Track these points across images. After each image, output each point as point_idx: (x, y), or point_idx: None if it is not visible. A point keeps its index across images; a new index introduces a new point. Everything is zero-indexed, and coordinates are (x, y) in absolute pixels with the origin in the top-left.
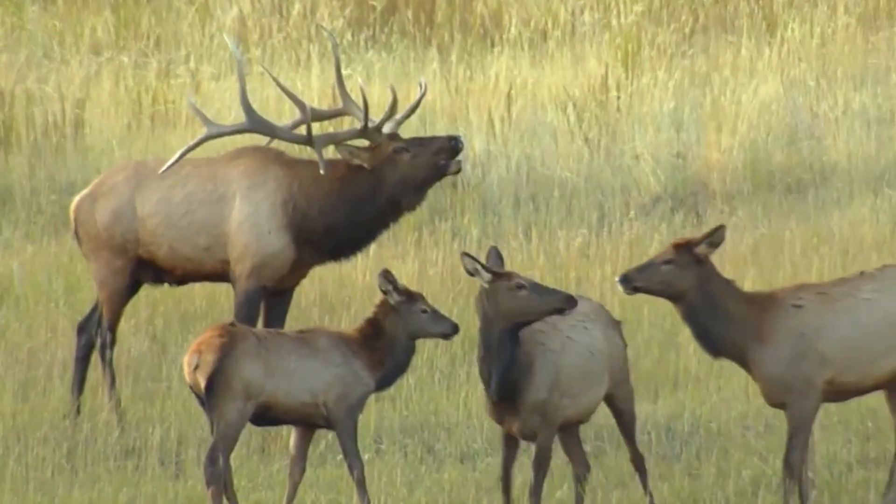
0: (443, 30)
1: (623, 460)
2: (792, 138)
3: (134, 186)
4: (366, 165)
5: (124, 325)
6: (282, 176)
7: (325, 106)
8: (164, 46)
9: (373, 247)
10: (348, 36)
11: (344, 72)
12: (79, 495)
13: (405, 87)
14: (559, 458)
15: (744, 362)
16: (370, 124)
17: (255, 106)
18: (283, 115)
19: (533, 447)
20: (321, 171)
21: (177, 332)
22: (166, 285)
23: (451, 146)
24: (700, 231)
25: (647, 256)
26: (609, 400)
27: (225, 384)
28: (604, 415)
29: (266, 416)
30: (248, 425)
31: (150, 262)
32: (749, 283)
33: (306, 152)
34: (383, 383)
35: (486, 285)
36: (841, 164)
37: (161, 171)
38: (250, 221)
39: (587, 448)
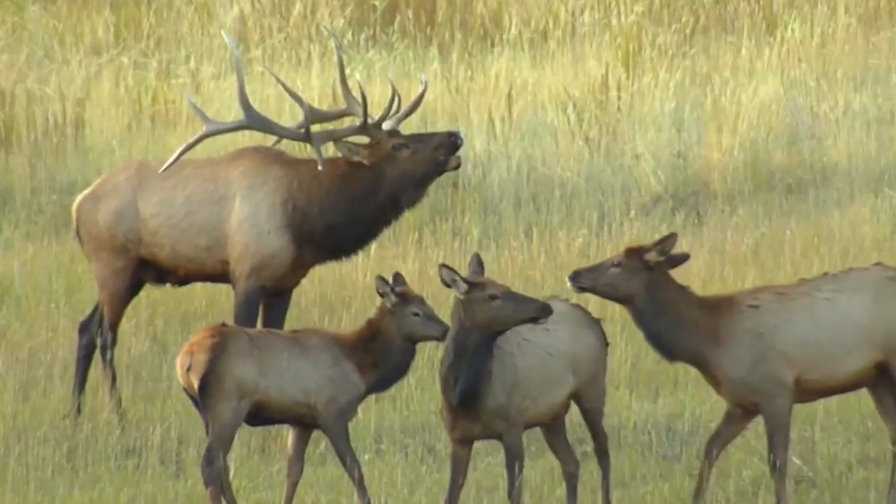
0: (443, 30)
1: (624, 460)
2: (792, 138)
3: (136, 187)
4: (365, 162)
5: (125, 325)
6: (282, 176)
7: (325, 106)
8: (164, 46)
9: (373, 247)
10: (349, 35)
11: (345, 70)
12: (79, 495)
13: (406, 87)
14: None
15: (702, 366)
16: (370, 121)
17: (254, 105)
18: (283, 115)
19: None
20: (319, 168)
21: (177, 332)
22: (167, 285)
23: (451, 142)
24: (701, 231)
25: None
26: (576, 398)
27: (218, 384)
28: (604, 414)
29: (260, 415)
30: (247, 426)
31: (152, 263)
32: (750, 284)
33: (307, 151)
34: (382, 385)
35: (462, 296)
36: (841, 164)
37: (161, 169)
38: (250, 221)
39: (586, 448)
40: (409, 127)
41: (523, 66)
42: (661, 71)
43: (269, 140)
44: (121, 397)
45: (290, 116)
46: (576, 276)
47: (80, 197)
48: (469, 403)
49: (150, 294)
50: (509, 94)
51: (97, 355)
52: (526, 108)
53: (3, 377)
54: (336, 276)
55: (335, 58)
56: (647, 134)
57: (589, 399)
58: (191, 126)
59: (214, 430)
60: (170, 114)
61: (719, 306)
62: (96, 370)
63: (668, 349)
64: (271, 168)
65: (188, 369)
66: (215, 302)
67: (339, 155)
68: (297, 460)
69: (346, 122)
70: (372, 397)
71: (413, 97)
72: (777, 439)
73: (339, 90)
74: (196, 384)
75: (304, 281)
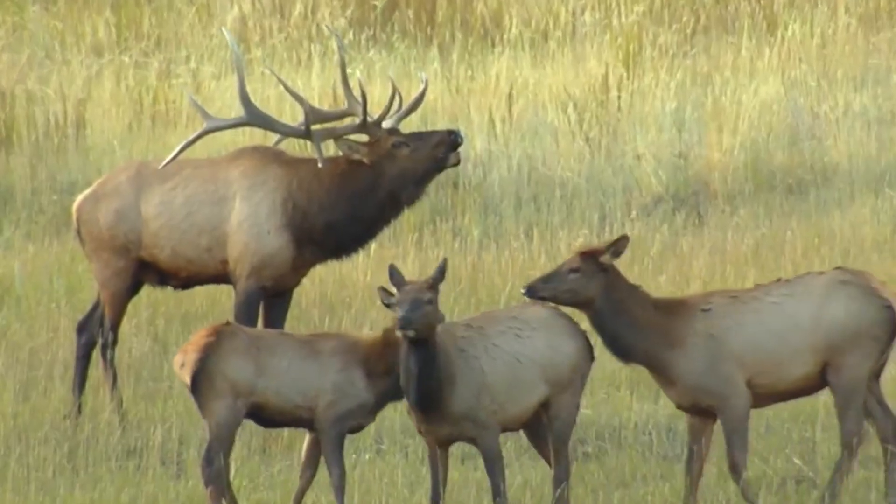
0: (444, 29)
1: (624, 460)
2: (793, 139)
3: (137, 187)
4: (365, 160)
5: (126, 326)
6: (281, 175)
7: (325, 106)
8: (164, 46)
9: (373, 246)
10: (349, 35)
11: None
12: (80, 495)
13: (406, 86)
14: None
15: (656, 368)
16: (369, 119)
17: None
18: (284, 115)
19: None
20: (319, 165)
21: (178, 332)
22: (169, 288)
23: (451, 140)
24: (702, 231)
25: (649, 257)
26: (545, 407)
27: (208, 382)
28: (605, 415)
29: (262, 416)
30: (253, 426)
31: (153, 265)
32: (750, 284)
33: (307, 150)
34: (396, 395)
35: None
36: (842, 164)
37: (161, 165)
38: (250, 221)
39: (587, 449)
40: (410, 126)
41: (524, 65)
42: (661, 71)
43: (270, 138)
44: (122, 398)
45: (290, 117)
46: (532, 290)
47: (80, 197)
48: (430, 407)
49: (150, 294)
50: (510, 94)
51: (97, 354)
52: (526, 108)
53: (4, 377)
54: (336, 275)
55: (336, 57)
56: (648, 134)
57: (557, 409)
58: (191, 126)
59: (211, 429)
60: (170, 114)
61: (673, 308)
62: (97, 371)
63: (624, 351)
64: (271, 167)
65: (182, 367)
66: (216, 302)
67: (339, 154)
68: (310, 466)
69: (347, 121)
70: None
71: (413, 96)
72: (734, 440)
73: (340, 90)
74: (188, 382)
75: (305, 281)
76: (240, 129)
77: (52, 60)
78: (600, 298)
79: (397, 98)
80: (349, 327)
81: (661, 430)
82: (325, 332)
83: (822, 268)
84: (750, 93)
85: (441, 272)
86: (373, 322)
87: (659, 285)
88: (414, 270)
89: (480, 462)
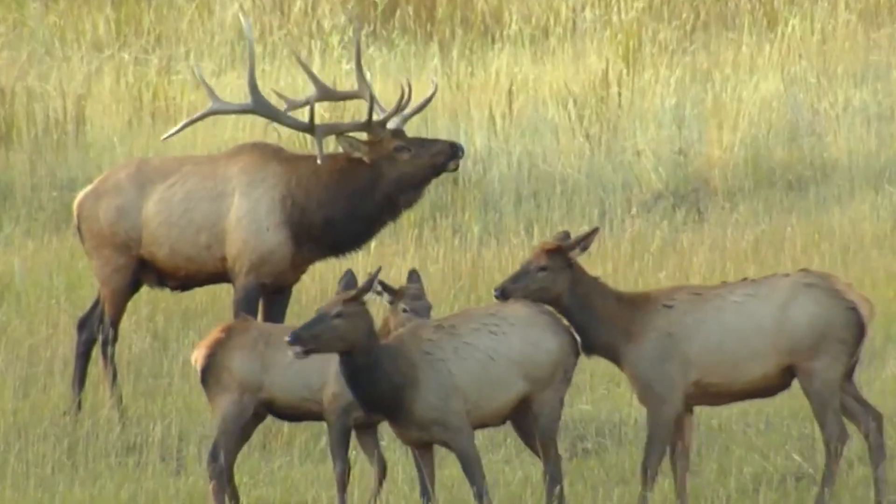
0: (444, 26)
1: (625, 457)
2: (793, 135)
3: (138, 184)
4: (365, 159)
5: (125, 322)
6: (280, 172)
7: (325, 103)
8: (164, 43)
9: (373, 243)
10: (349, 32)
11: (345, 67)
12: (80, 492)
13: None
14: (560, 454)
15: (614, 361)
16: (375, 117)
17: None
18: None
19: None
20: (318, 161)
21: (178, 328)
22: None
23: (452, 152)
24: (701, 228)
25: (649, 253)
26: (528, 404)
27: (214, 377)
28: (606, 411)
29: (275, 411)
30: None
31: (152, 264)
32: None
33: (308, 147)
34: None
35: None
36: (842, 160)
37: (164, 137)
38: (249, 218)
39: (587, 445)
40: (410, 124)
41: (524, 62)
42: (661, 67)
43: (269, 134)
44: (121, 394)
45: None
46: (504, 291)
47: (81, 194)
48: (388, 413)
49: (150, 291)
50: (510, 91)
51: (96, 351)
52: (526, 105)
53: (3, 373)
54: (336, 272)
55: (354, 41)
56: (648, 130)
57: (540, 406)
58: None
59: (217, 423)
60: (170, 110)
61: (636, 302)
62: (97, 367)
63: (588, 344)
64: (270, 164)
65: (195, 361)
66: (216, 298)
67: (340, 151)
68: (371, 457)
69: (349, 117)
70: None
71: (421, 100)
72: (653, 445)
73: (340, 88)
74: (199, 377)
75: (305, 277)
76: (240, 126)
77: (52, 57)
78: (567, 294)
79: (403, 97)
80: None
81: None
82: None
83: (822, 264)
84: (750, 89)
85: (368, 283)
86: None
87: (659, 282)
88: (414, 266)
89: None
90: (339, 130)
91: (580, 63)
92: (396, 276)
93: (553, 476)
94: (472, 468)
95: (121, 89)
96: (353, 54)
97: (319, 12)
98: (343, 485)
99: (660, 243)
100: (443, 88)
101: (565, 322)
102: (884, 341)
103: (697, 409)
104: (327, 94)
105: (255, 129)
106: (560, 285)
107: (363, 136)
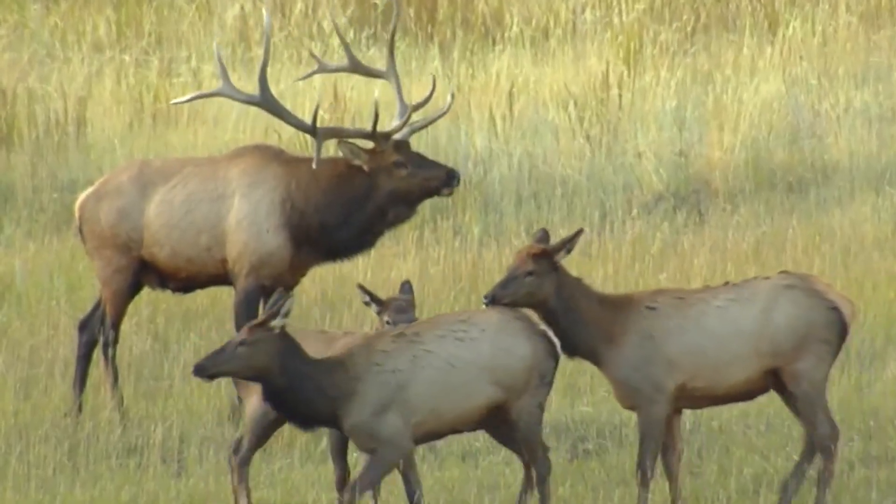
0: (444, 28)
1: (625, 458)
2: (794, 137)
3: (139, 186)
4: (364, 167)
5: (126, 324)
6: (281, 174)
7: (326, 104)
8: (165, 45)
9: None
10: (350, 34)
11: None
12: (80, 493)
13: (406, 86)
14: (561, 456)
15: (595, 363)
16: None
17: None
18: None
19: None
20: (314, 165)
21: (179, 330)
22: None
23: (447, 178)
24: (702, 229)
25: (649, 255)
26: (504, 411)
27: (242, 381)
28: (606, 412)
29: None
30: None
31: (153, 265)
32: None
33: (309, 148)
34: None
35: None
36: (842, 162)
37: (173, 101)
38: (249, 219)
39: (589, 446)
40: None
41: (524, 63)
42: (662, 69)
43: (270, 135)
44: (122, 395)
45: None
46: (494, 298)
47: (82, 195)
48: (322, 425)
49: (151, 293)
50: (510, 92)
51: (97, 353)
52: (527, 106)
53: (4, 375)
54: (336, 274)
55: (392, 23)
56: (649, 132)
57: (518, 412)
58: (192, 125)
59: (245, 422)
60: (171, 112)
61: (619, 305)
62: (98, 368)
63: (571, 346)
64: (270, 166)
65: None
66: (217, 300)
67: (341, 155)
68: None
69: (354, 118)
70: None
71: (431, 115)
72: (646, 446)
73: (340, 88)
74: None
75: (305, 279)
76: (241, 128)
77: (52, 59)
78: (553, 297)
79: (408, 111)
80: (349, 325)
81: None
82: (353, 331)
83: (822, 266)
84: (751, 91)
85: (276, 310)
86: (373, 320)
87: (659, 283)
88: (414, 269)
89: (481, 460)
90: (341, 135)
91: (581, 65)
92: (397, 277)
93: (540, 473)
94: (373, 471)
95: (121, 91)
96: (388, 38)
97: (320, 13)
98: (343, 487)
99: (660, 245)
100: (443, 90)
101: (541, 326)
102: (884, 342)
103: (698, 410)
104: (357, 67)
105: (255, 130)
106: (547, 289)
107: (368, 143)
